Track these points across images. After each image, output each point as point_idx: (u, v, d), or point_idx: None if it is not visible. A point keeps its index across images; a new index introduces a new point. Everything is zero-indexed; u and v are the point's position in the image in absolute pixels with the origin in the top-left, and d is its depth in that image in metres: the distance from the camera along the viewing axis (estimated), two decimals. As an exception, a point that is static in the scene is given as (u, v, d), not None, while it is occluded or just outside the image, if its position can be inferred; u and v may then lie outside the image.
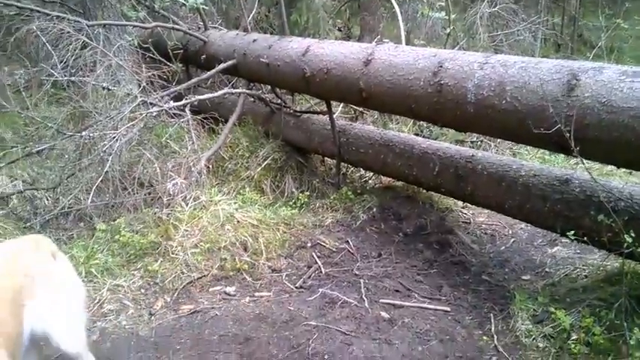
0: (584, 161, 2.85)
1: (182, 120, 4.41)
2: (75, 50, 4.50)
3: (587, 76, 2.64)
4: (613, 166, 3.82)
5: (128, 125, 3.97)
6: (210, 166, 4.64)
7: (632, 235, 2.59)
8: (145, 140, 4.30)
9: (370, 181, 5.10)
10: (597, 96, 2.54)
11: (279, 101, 5.40)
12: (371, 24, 9.36)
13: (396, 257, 3.83)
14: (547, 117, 2.69)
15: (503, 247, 4.09)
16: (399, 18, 5.73)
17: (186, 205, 3.90)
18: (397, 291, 3.43)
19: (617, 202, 2.93)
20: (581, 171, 3.21)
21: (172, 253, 3.54)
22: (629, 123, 2.42)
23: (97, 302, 3.23)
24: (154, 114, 4.28)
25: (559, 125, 2.60)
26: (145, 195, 4.04)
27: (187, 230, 3.68)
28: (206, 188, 4.16)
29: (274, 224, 4.05)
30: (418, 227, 4.17)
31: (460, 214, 4.48)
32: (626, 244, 2.61)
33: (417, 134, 5.67)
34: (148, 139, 4.49)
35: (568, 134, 2.59)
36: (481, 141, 5.43)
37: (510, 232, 4.31)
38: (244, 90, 5.31)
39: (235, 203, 4.13)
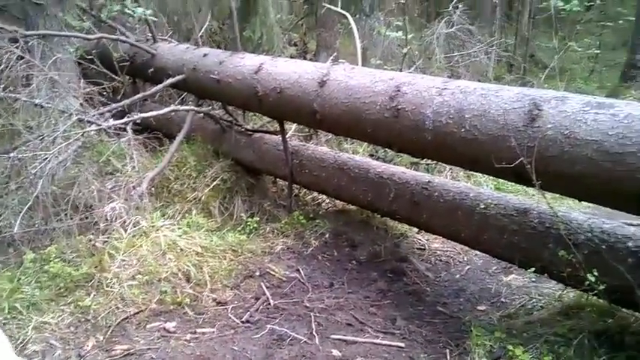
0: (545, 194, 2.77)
1: (123, 139, 4.12)
2: (9, 62, 4.15)
3: (549, 106, 2.54)
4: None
5: (62, 145, 3.66)
6: (154, 187, 4.36)
7: (595, 274, 2.49)
8: (82, 160, 3.98)
9: (323, 204, 4.93)
10: (560, 127, 2.45)
11: (230, 119, 5.18)
12: (328, 40, 9.27)
13: (349, 287, 3.66)
14: (508, 147, 2.59)
15: (458, 275, 3.98)
16: (356, 36, 5.62)
17: (125, 231, 3.61)
18: (350, 325, 3.25)
19: (577, 235, 2.86)
20: (540, 201, 3.13)
21: (107, 286, 3.24)
22: (593, 157, 2.33)
23: (21, 343, 2.90)
24: (92, 133, 3.98)
25: (521, 158, 2.49)
26: (79, 220, 3.73)
27: (125, 260, 3.39)
28: (148, 212, 3.87)
29: (221, 251, 3.80)
30: (372, 254, 4.03)
31: (415, 239, 4.36)
32: (588, 282, 2.52)
33: (371, 155, 5.56)
34: (87, 156, 4.19)
35: (529, 166, 2.49)
36: (436, 164, 5.35)
37: (465, 258, 4.22)
38: (193, 107, 5.06)
39: (179, 228, 3.86)
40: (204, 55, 4.92)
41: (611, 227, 2.83)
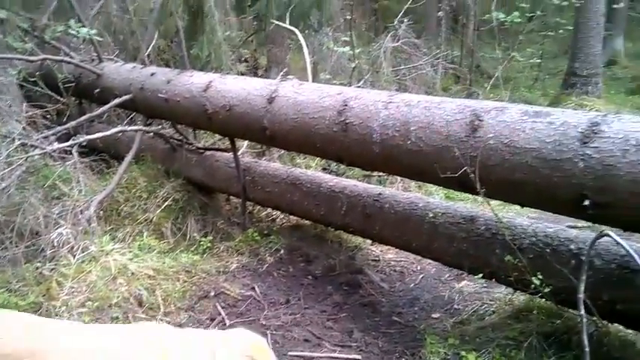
0: (490, 201, 2.85)
1: (68, 163, 4.02)
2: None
3: (489, 116, 2.63)
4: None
5: (5, 171, 3.55)
6: (103, 211, 4.26)
7: (540, 277, 2.57)
8: (27, 185, 3.86)
9: (278, 220, 4.92)
10: (500, 137, 2.52)
11: (180, 138, 5.13)
12: (278, 56, 9.32)
13: (305, 302, 3.65)
14: (452, 158, 2.65)
15: (413, 285, 4.03)
16: (305, 51, 5.69)
17: (74, 257, 3.52)
18: (307, 340, 3.25)
19: (522, 239, 2.95)
20: (487, 209, 3.22)
21: (56, 315, 3.13)
22: (532, 164, 2.41)
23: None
24: (37, 157, 3.87)
25: (465, 167, 2.56)
26: (25, 247, 3.60)
27: (74, 287, 3.29)
28: (97, 236, 3.78)
29: (174, 273, 3.74)
30: (327, 268, 4.04)
31: (369, 251, 4.39)
32: (533, 285, 2.61)
33: (324, 169, 5.59)
34: (32, 182, 4.06)
35: (473, 175, 2.56)
36: (387, 176, 5.42)
37: (419, 267, 4.27)
38: (141, 127, 4.99)
39: (130, 252, 3.78)
40: (152, 74, 4.87)
41: (554, 231, 2.93)
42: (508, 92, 8.49)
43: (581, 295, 2.21)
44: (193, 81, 4.37)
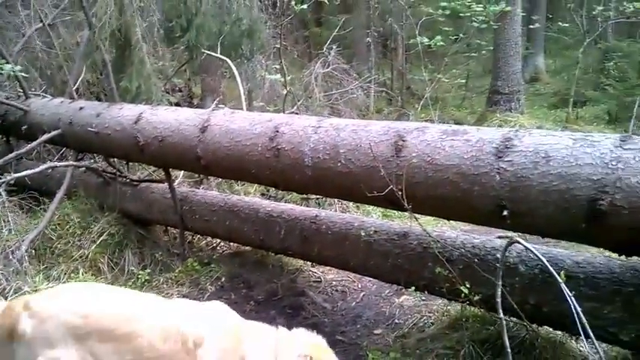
0: (418, 217, 2.97)
1: (-5, 202, 3.90)
2: None
3: (412, 136, 2.77)
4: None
5: None
6: (35, 249, 4.14)
7: (468, 285, 2.70)
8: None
9: (218, 248, 4.90)
10: (423, 155, 2.66)
11: (113, 171, 5.05)
12: (212, 85, 9.37)
13: (248, 329, 3.65)
14: (379, 177, 2.76)
15: (354, 303, 4.10)
16: (238, 80, 5.76)
17: (5, 299, 3.38)
18: (250, 366, 3.24)
19: (452, 251, 3.08)
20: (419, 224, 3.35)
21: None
22: (453, 179, 2.55)
23: None
24: (-40, 198, 3.74)
25: (391, 186, 2.67)
26: (-49, 292, 3.45)
27: (4, 330, 3.17)
28: (30, 276, 3.67)
29: (112, 309, 3.66)
30: (269, 293, 4.06)
31: (310, 273, 4.44)
32: (463, 294, 2.73)
33: (263, 194, 5.64)
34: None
35: (400, 193, 2.67)
36: (325, 198, 5.52)
37: (360, 285, 4.35)
38: (72, 162, 4.89)
39: (65, 290, 3.68)
40: (81, 108, 4.81)
41: (481, 241, 3.08)
42: (437, 112, 8.84)
43: (499, 300, 2.35)
44: (124, 113, 4.36)
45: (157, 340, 2.15)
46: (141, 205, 4.82)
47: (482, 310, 3.09)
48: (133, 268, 4.49)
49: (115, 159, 5.16)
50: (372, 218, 4.01)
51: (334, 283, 4.39)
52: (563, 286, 2.01)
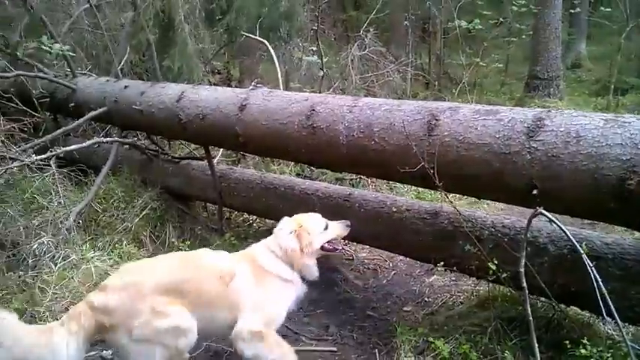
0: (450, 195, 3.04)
1: (46, 174, 4.11)
2: None
3: (445, 115, 2.83)
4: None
5: (-15, 183, 3.65)
6: (82, 221, 4.35)
7: (495, 262, 2.76)
8: (7, 198, 3.94)
9: (255, 225, 5.06)
10: (455, 134, 2.73)
11: (156, 148, 5.24)
12: (250, 67, 9.48)
13: (283, 301, 3.79)
14: (412, 155, 2.82)
15: (385, 281, 4.21)
16: (276, 62, 5.86)
17: (55, 265, 3.62)
18: (284, 336, 3.35)
19: (482, 230, 3.14)
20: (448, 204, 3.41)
21: (40, 320, 3.23)
22: (485, 157, 2.61)
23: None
24: (15, 169, 3.96)
25: (423, 163, 2.74)
26: (6, 258, 3.68)
27: (56, 293, 3.39)
28: (77, 245, 3.89)
29: (154, 278, 3.84)
30: (304, 268, 4.18)
31: (343, 251, 4.53)
32: (491, 271, 2.79)
33: (298, 174, 5.75)
34: (11, 196, 4.14)
35: (432, 171, 2.74)
36: (360, 178, 5.61)
37: (391, 264, 4.45)
38: (116, 138, 5.10)
39: (110, 259, 3.90)
40: (125, 87, 4.98)
41: (511, 222, 3.14)
42: (475, 96, 8.77)
43: (522, 269, 2.40)
44: (166, 92, 4.50)
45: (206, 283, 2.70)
46: (181, 182, 5.00)
47: (510, 290, 3.16)
48: (173, 240, 4.68)
49: (158, 137, 5.35)
50: (403, 198, 4.07)
51: (366, 261, 4.50)
52: (585, 257, 2.06)
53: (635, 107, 10.76)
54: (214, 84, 7.94)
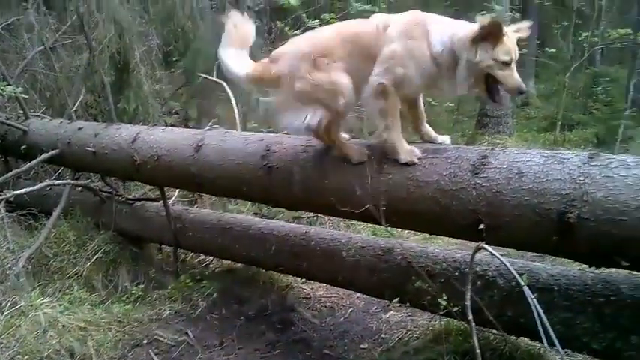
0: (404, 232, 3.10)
1: (-6, 219, 4.01)
2: None
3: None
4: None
5: None
6: (31, 266, 4.24)
7: (446, 297, 2.82)
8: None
9: (211, 265, 5.00)
10: (404, 172, 2.80)
11: (109, 190, 5.18)
12: (208, 107, 9.51)
13: (239, 343, 3.75)
14: (364, 194, 2.88)
15: (342, 319, 4.20)
16: (233, 103, 5.91)
17: (2, 313, 3.49)
18: (239, 380, 3.34)
19: (434, 265, 3.21)
20: (403, 240, 3.48)
21: (-17, 371, 3.11)
22: (433, 195, 2.69)
23: None
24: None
25: (374, 201, 2.80)
26: (-50, 306, 3.54)
27: (2, 342, 3.27)
28: (26, 292, 3.77)
29: (106, 324, 3.76)
30: (260, 308, 4.15)
31: (300, 289, 4.54)
32: (442, 306, 2.84)
33: (256, 214, 5.74)
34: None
35: (382, 209, 2.80)
36: (317, 216, 5.64)
37: (348, 302, 4.45)
38: (69, 180, 5.02)
39: (61, 305, 3.79)
40: (79, 128, 4.95)
41: (462, 256, 3.21)
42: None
43: (468, 303, 2.46)
44: (121, 133, 4.50)
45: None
46: (136, 224, 4.94)
47: (464, 323, 3.21)
48: (126, 285, 4.59)
49: (112, 178, 5.29)
50: (358, 235, 4.12)
51: (323, 299, 4.49)
52: (525, 289, 2.14)
53: (581, 142, 11.29)
54: (171, 124, 7.92)
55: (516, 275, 2.30)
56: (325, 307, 4.38)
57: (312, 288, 4.58)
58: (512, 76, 2.58)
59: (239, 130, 5.28)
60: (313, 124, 2.82)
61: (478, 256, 3.21)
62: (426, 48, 2.66)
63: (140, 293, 4.37)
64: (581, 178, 2.31)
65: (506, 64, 2.56)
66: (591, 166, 2.34)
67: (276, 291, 4.37)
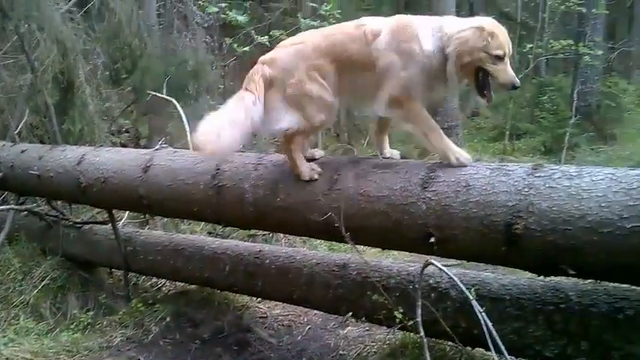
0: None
1: None
2: None
3: (346, 169, 2.90)
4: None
5: None
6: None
7: (402, 311, 2.82)
8: None
9: (164, 288, 4.88)
10: (357, 188, 2.80)
11: (56, 214, 5.00)
12: (159, 125, 9.35)
13: (194, 367, 3.66)
14: (316, 210, 2.88)
15: (300, 337, 4.15)
16: (184, 121, 5.83)
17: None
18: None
19: (389, 280, 3.21)
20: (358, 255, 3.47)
21: None
22: (384, 210, 2.70)
23: None
24: None
25: (328, 217, 2.79)
26: None
27: (-63, 380, 3.09)
28: (-33, 323, 3.58)
29: (54, 354, 3.60)
30: (215, 331, 4.06)
31: (257, 309, 4.47)
32: (398, 320, 2.85)
33: (210, 233, 5.66)
34: None
35: (336, 224, 2.79)
36: (272, 234, 5.59)
37: (305, 319, 4.41)
38: (13, 205, 4.83)
39: (5, 337, 3.61)
40: (22, 151, 4.78)
41: (415, 269, 3.22)
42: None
43: (419, 319, 2.50)
44: (66, 155, 4.37)
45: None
46: (84, 248, 4.78)
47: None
48: (75, 312, 4.42)
49: (58, 201, 5.12)
50: (314, 251, 4.10)
51: (280, 318, 4.44)
52: (474, 302, 2.16)
53: (530, 150, 11.65)
54: (121, 144, 7.76)
55: (464, 290, 2.33)
56: (282, 325, 4.32)
57: (268, 307, 4.52)
58: (506, 71, 2.57)
59: (191, 148, 5.23)
60: (291, 129, 2.88)
61: (431, 268, 3.27)
62: (419, 49, 2.68)
63: (90, 320, 4.21)
64: (526, 190, 2.36)
65: (500, 58, 2.55)
66: (535, 177, 2.40)
67: (231, 312, 4.28)
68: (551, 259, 2.33)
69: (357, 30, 2.82)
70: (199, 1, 8.15)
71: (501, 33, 2.58)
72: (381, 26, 2.78)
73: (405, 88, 2.73)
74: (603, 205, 2.15)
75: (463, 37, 2.58)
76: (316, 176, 2.93)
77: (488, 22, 2.62)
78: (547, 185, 2.34)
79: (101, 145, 5.13)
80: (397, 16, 2.89)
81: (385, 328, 3.70)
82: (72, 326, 4.16)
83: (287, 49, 2.94)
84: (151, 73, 6.96)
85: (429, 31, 2.69)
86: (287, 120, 2.87)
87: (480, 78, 2.64)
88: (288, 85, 2.85)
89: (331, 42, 2.85)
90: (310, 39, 2.93)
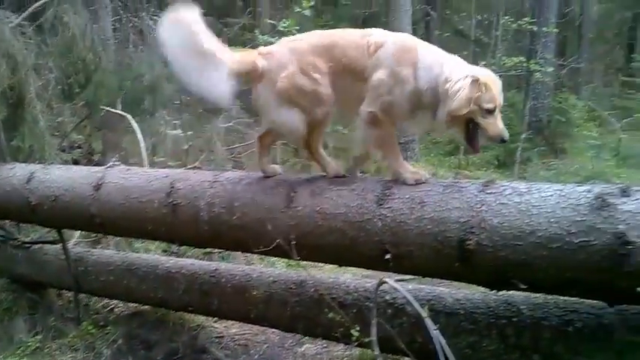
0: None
1: None
2: None
3: (302, 187, 2.90)
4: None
5: None
6: None
7: (358, 328, 2.82)
8: None
9: (116, 309, 4.73)
10: (313, 205, 2.80)
11: (2, 233, 4.81)
12: (114, 140, 9.15)
13: (147, 391, 3.56)
14: (273, 228, 2.86)
15: (257, 356, 4.10)
16: (139, 136, 5.75)
17: None
18: None
19: (346, 296, 3.21)
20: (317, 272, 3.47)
21: None
22: (341, 227, 2.70)
23: None
24: None
25: (278, 240, 2.78)
26: None
27: None
28: None
29: (-2, 381, 3.45)
30: (169, 353, 3.97)
31: (212, 329, 4.39)
32: (354, 337, 2.84)
33: (165, 251, 5.54)
34: None
35: (291, 243, 2.78)
36: (229, 252, 5.52)
37: (263, 337, 4.35)
38: (-45, 226, 4.62)
39: (-57, 365, 3.43)
40: (-33, 169, 4.58)
41: (372, 285, 3.23)
42: (341, 163, 9.10)
43: (374, 338, 2.53)
44: (15, 173, 4.22)
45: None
46: (33, 269, 4.62)
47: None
48: (21, 336, 4.23)
49: (6, 221, 4.93)
50: (270, 269, 4.07)
51: (237, 337, 4.37)
52: (426, 320, 2.18)
53: (484, 164, 11.92)
54: (74, 159, 7.54)
55: (418, 308, 2.36)
56: (239, 345, 4.26)
57: (225, 326, 4.44)
58: (496, 124, 2.55)
59: (146, 165, 5.14)
60: (301, 127, 2.86)
61: (386, 285, 3.29)
62: (412, 79, 2.66)
63: (38, 344, 4.05)
64: (478, 206, 2.41)
65: (490, 111, 2.54)
66: (487, 193, 2.45)
67: (186, 332, 4.20)
68: (503, 274, 2.38)
69: (362, 39, 2.79)
70: (156, 16, 8.07)
71: (495, 86, 2.56)
72: (385, 41, 2.76)
73: (389, 110, 2.73)
74: (552, 220, 2.21)
75: (459, 90, 2.53)
76: (342, 172, 2.96)
77: (483, 74, 2.59)
78: (498, 202, 2.39)
79: (52, 163, 5.00)
80: (404, 35, 2.92)
81: (343, 345, 3.71)
82: (18, 351, 4.00)
83: (286, 45, 2.93)
84: (105, 88, 6.82)
85: (428, 68, 2.66)
86: (294, 117, 2.84)
87: (470, 129, 2.63)
88: (279, 79, 2.81)
89: (332, 44, 2.83)
90: (311, 38, 2.93)
